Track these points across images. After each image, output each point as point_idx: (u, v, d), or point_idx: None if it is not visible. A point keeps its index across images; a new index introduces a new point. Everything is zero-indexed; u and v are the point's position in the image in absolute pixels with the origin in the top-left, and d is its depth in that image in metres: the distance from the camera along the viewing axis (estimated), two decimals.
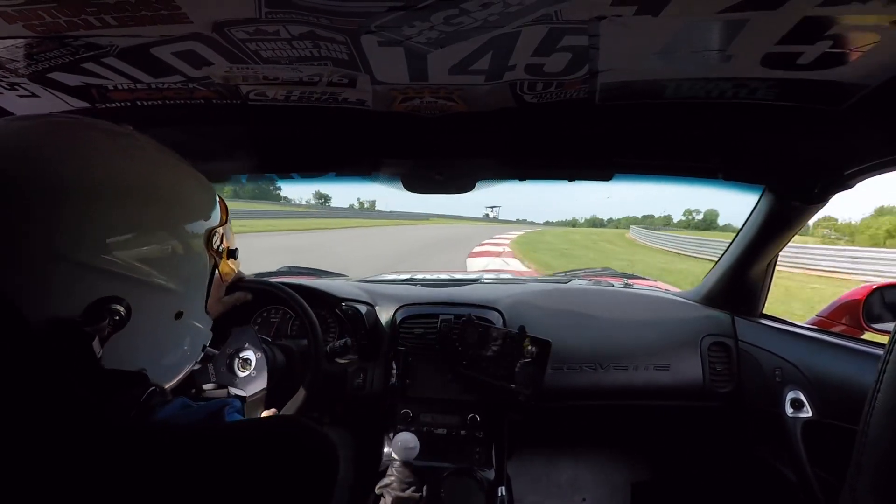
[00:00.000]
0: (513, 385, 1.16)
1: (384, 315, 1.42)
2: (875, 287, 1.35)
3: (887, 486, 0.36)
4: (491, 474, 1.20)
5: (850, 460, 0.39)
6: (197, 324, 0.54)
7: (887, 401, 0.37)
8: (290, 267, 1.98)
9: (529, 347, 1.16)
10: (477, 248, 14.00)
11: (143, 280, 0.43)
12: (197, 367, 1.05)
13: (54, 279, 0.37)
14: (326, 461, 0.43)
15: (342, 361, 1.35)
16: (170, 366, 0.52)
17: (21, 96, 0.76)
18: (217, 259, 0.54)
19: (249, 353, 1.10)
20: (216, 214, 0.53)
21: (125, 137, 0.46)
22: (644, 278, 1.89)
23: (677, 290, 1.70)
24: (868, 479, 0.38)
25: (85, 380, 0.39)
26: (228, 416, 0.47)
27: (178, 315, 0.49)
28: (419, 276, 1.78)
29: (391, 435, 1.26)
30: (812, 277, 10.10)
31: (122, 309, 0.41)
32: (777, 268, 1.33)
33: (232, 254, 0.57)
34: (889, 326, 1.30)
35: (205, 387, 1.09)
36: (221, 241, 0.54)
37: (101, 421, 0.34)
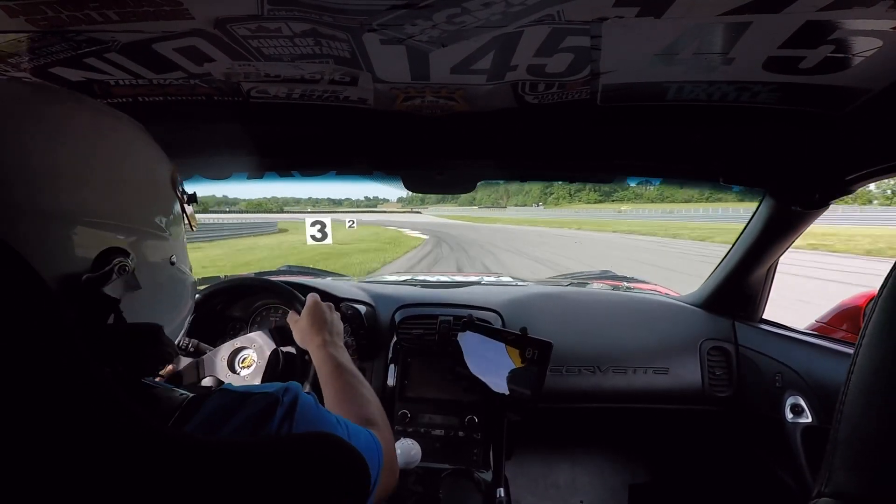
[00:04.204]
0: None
1: (383, 315, 1.42)
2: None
3: (857, 460, 0.37)
4: (489, 476, 1.19)
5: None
6: (186, 270, 0.55)
7: (860, 380, 0.38)
8: (289, 266, 1.99)
9: (530, 349, 1.16)
10: None
11: (140, 230, 0.45)
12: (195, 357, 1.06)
13: (56, 237, 0.38)
14: (358, 478, 0.42)
15: None
16: (176, 316, 0.54)
17: None
18: (183, 202, 0.55)
19: (249, 352, 1.10)
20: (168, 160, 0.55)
21: (98, 108, 0.45)
22: (644, 282, 1.89)
23: (677, 293, 1.70)
24: (841, 455, 0.38)
25: (104, 342, 0.39)
26: (281, 413, 0.44)
27: (172, 262, 0.51)
28: (419, 277, 1.78)
29: None
30: None
31: (128, 262, 0.42)
32: None
33: (192, 198, 0.57)
34: None
35: (204, 382, 1.09)
36: (182, 183, 0.56)
37: (141, 431, 0.33)
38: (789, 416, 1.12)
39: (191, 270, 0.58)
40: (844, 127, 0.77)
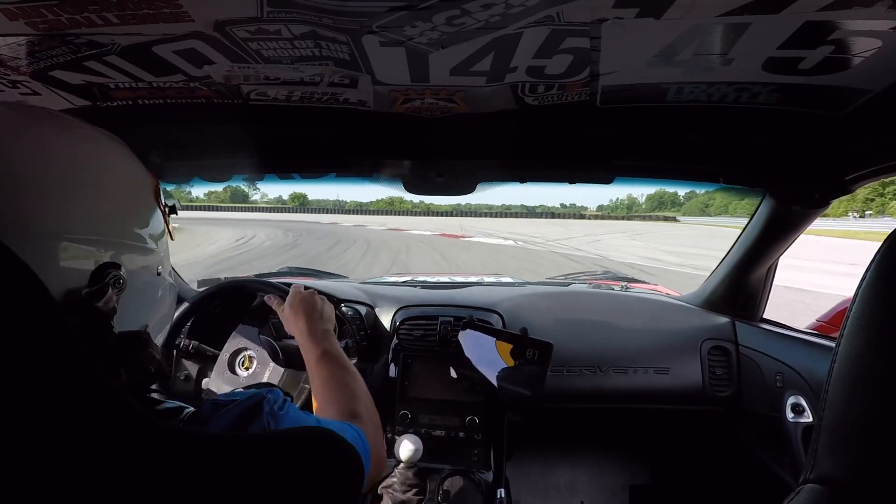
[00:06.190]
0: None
1: (384, 317, 1.42)
2: None
3: (840, 446, 0.38)
4: (489, 476, 1.19)
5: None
6: (170, 279, 0.58)
7: (842, 369, 0.39)
8: (290, 268, 2.00)
9: (530, 350, 1.16)
10: None
11: (129, 244, 0.46)
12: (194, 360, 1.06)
13: (56, 255, 0.39)
14: (351, 474, 0.42)
15: None
16: (160, 322, 0.56)
17: (23, 94, 0.76)
18: (166, 214, 0.57)
19: (250, 353, 1.10)
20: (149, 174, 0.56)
21: (79, 128, 0.46)
22: (644, 282, 1.89)
23: (677, 293, 1.70)
24: (826, 441, 0.40)
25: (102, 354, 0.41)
26: (267, 411, 0.45)
27: (158, 273, 0.53)
28: (419, 279, 1.78)
29: (389, 436, 1.26)
30: None
31: (122, 274, 0.43)
32: None
33: (172, 209, 0.59)
34: None
35: (205, 385, 1.09)
36: (163, 197, 0.58)
37: (145, 427, 0.33)
38: (790, 415, 1.12)
39: (171, 275, 0.59)
40: (844, 127, 0.77)
